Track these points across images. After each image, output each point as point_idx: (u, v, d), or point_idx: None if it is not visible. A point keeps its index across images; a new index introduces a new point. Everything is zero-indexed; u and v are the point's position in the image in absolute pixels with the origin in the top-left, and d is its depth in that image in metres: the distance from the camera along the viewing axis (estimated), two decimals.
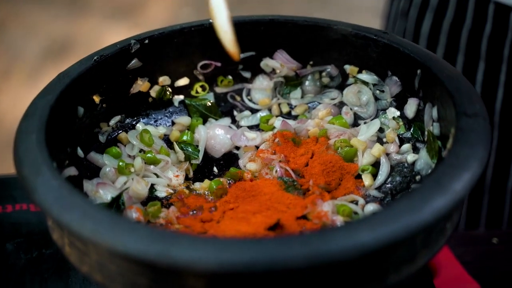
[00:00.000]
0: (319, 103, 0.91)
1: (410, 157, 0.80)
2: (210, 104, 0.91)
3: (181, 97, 0.91)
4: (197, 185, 0.83)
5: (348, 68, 0.88)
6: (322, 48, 0.88)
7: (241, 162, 0.86)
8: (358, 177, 0.82)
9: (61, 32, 2.96)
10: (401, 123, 0.84)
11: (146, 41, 0.85)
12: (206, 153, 0.88)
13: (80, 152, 0.81)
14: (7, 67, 2.78)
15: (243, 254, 0.57)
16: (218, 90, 0.92)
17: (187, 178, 0.85)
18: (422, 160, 0.79)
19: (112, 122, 0.86)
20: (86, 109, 0.81)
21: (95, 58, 0.82)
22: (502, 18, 1.10)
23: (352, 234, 0.58)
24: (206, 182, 0.83)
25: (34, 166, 0.67)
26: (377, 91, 0.86)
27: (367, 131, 0.84)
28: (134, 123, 0.88)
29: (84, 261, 0.65)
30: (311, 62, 0.90)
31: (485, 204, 1.18)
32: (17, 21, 3.02)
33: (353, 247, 0.57)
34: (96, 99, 0.83)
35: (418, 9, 1.20)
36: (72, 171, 0.77)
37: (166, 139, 0.88)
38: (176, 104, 0.91)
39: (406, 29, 1.22)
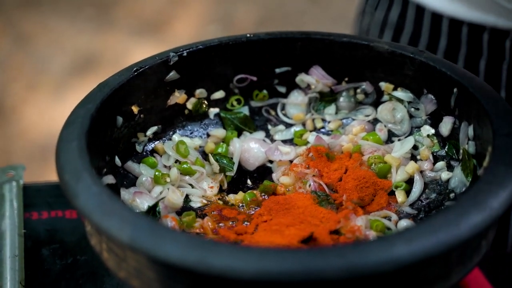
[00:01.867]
0: (353, 119, 0.91)
1: (444, 175, 0.81)
2: (245, 117, 0.92)
3: (217, 110, 0.92)
4: (231, 196, 0.84)
5: (383, 85, 0.89)
6: (357, 65, 0.89)
7: (274, 176, 0.87)
8: (391, 193, 0.82)
9: (87, 46, 2.98)
10: (435, 141, 0.84)
11: (184, 54, 0.87)
12: (240, 165, 0.89)
13: (117, 161, 0.82)
14: (33, 80, 2.81)
15: (279, 263, 0.58)
16: (253, 104, 0.93)
17: (221, 190, 0.86)
18: (457, 178, 0.79)
19: (149, 132, 0.87)
20: (125, 119, 0.83)
21: (134, 69, 0.83)
22: (456, 33, 1.12)
23: (388, 247, 0.59)
24: (240, 194, 0.84)
25: (75, 172, 0.68)
26: (412, 109, 0.87)
27: (401, 148, 0.85)
28: (170, 134, 0.89)
29: (122, 266, 0.66)
30: (346, 79, 0.91)
31: None
32: (43, 34, 3.05)
33: (389, 260, 0.58)
34: (135, 109, 0.84)
35: (379, 27, 1.23)
36: (110, 179, 0.78)
37: (202, 151, 0.89)
38: (211, 116, 0.92)
39: None
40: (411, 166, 0.82)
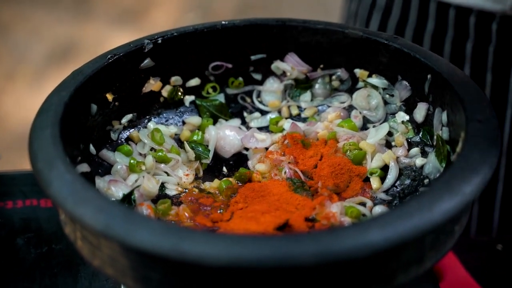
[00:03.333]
0: (329, 106, 0.91)
1: (419, 161, 0.81)
2: (220, 105, 0.92)
3: (192, 97, 0.92)
4: (207, 184, 0.84)
5: (358, 72, 0.89)
6: (332, 51, 0.89)
7: (250, 163, 0.87)
8: (366, 180, 0.83)
9: (65, 35, 2.96)
10: (410, 127, 0.84)
11: (159, 41, 0.86)
12: (216, 153, 0.88)
13: (92, 149, 0.82)
14: (11, 69, 2.79)
15: (254, 250, 0.57)
16: (229, 91, 0.93)
17: (197, 178, 0.86)
18: (431, 164, 0.79)
19: (124, 120, 0.86)
20: (99, 106, 0.82)
21: (108, 56, 0.82)
22: (443, 15, 1.13)
23: (361, 233, 0.59)
24: (216, 181, 0.84)
25: (49, 160, 0.67)
26: (387, 95, 0.87)
27: (376, 134, 0.85)
28: (145, 122, 0.89)
29: (96, 255, 0.66)
30: (321, 66, 0.91)
31: (497, 210, 1.19)
32: (21, 23, 3.03)
33: (363, 246, 0.58)
34: (109, 97, 0.84)
35: (368, 10, 1.25)
36: (84, 167, 0.78)
37: (177, 138, 0.89)
38: (187, 104, 0.92)
39: None
40: (387, 155, 0.82)
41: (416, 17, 1.16)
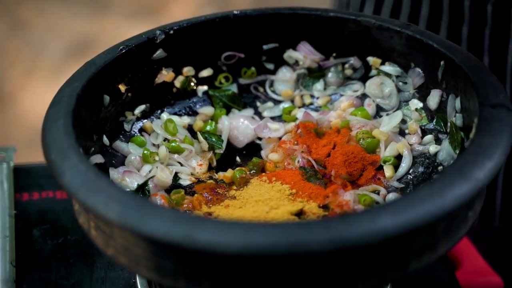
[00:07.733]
0: (342, 95, 0.91)
1: (433, 148, 0.81)
2: (233, 95, 0.92)
3: (205, 87, 0.92)
4: (220, 174, 0.84)
5: (371, 60, 0.88)
6: (345, 40, 0.88)
7: (263, 153, 0.87)
8: (380, 168, 0.82)
9: (83, 30, 2.97)
10: (423, 114, 0.84)
11: (171, 32, 0.87)
12: (229, 143, 0.89)
13: (106, 140, 0.82)
14: (30, 65, 2.80)
15: (265, 237, 0.57)
16: (242, 81, 0.93)
17: (210, 167, 0.86)
18: (445, 151, 0.79)
19: (137, 111, 0.87)
20: (112, 97, 0.82)
21: (121, 47, 0.83)
22: (437, 1, 1.12)
23: (373, 219, 0.58)
24: (230, 171, 0.84)
25: (61, 150, 0.68)
26: (400, 83, 0.87)
27: (389, 122, 0.85)
28: (158, 112, 0.89)
29: (110, 244, 0.66)
30: (334, 54, 0.90)
31: (499, 199, 1.18)
32: (39, 19, 3.04)
33: (375, 232, 0.58)
34: (122, 88, 0.84)
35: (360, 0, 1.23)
36: (98, 158, 0.78)
37: (190, 129, 0.89)
38: (200, 94, 0.92)
39: None
40: (401, 144, 0.82)
41: (410, 3, 1.15)
